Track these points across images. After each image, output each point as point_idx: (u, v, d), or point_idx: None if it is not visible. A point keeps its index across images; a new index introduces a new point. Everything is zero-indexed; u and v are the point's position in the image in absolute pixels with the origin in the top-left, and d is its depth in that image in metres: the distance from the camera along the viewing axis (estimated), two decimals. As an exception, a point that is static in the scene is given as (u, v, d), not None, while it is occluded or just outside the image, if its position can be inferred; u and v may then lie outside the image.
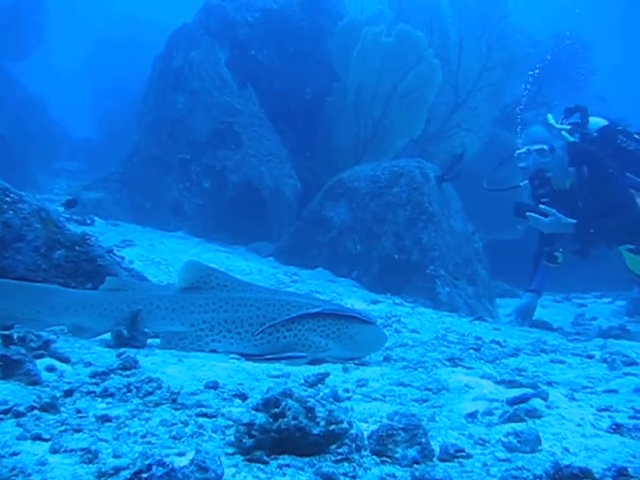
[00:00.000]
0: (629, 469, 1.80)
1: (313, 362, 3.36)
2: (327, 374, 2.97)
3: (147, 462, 1.49)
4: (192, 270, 3.60)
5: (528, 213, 5.90)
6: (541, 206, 5.86)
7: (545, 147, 5.92)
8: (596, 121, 6.19)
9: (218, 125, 9.67)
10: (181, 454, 1.86)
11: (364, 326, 3.55)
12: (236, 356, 3.31)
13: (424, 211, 7.37)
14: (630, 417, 2.70)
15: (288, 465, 1.87)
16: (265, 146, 9.75)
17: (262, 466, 1.86)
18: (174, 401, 2.37)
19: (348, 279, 7.31)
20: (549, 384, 3.28)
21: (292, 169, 9.98)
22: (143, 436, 2.00)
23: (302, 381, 2.88)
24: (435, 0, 10.99)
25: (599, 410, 2.77)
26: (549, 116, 6.21)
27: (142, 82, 11.49)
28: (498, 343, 4.48)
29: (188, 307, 3.44)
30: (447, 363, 3.61)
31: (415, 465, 1.98)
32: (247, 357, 3.32)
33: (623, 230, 5.84)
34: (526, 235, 10.78)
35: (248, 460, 1.89)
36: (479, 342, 4.45)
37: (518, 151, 6.10)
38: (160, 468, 1.46)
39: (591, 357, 4.18)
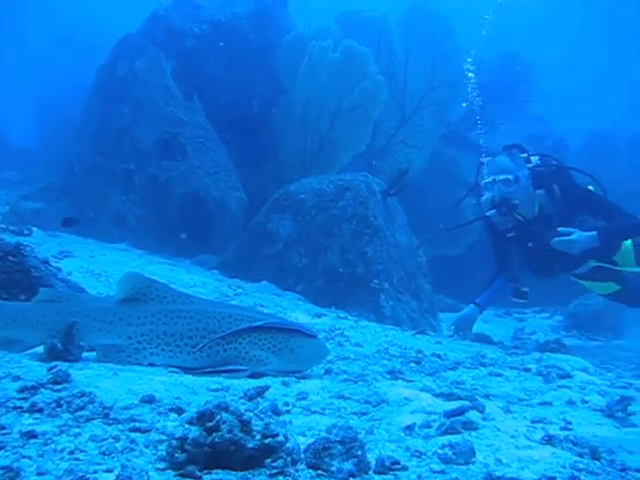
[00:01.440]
0: (558, 479, 1.83)
1: (254, 375, 3.32)
2: (267, 387, 2.94)
3: (68, 479, 1.43)
4: (131, 281, 3.51)
5: (555, 239, 5.91)
6: (561, 228, 5.93)
7: (510, 177, 6.07)
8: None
9: (163, 136, 9.56)
10: (109, 470, 1.80)
11: (306, 339, 3.53)
12: (175, 369, 3.24)
13: (369, 225, 7.43)
14: (562, 428, 2.77)
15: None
16: (211, 158, 9.69)
17: (194, 481, 1.82)
18: (106, 416, 2.29)
19: (293, 292, 7.28)
20: (486, 397, 3.34)
21: (238, 181, 9.94)
22: (71, 452, 1.93)
23: (241, 394, 2.84)
24: (382, 18, 11.21)
25: (533, 422, 2.83)
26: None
27: (83, 90, 11.25)
28: (439, 356, 4.53)
29: (126, 319, 3.35)
30: (388, 376, 3.63)
31: (351, 478, 1.97)
32: (186, 370, 3.26)
33: (627, 229, 6.02)
34: (469, 251, 11.03)
35: (180, 475, 1.84)
36: (420, 355, 4.49)
37: (484, 180, 6.24)
38: (82, 485, 1.40)
39: (528, 370, 4.28)
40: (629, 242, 6.27)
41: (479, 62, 10.41)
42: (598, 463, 2.31)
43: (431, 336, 5.94)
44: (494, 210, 6.26)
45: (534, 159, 6.42)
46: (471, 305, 6.80)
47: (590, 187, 6.36)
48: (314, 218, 7.63)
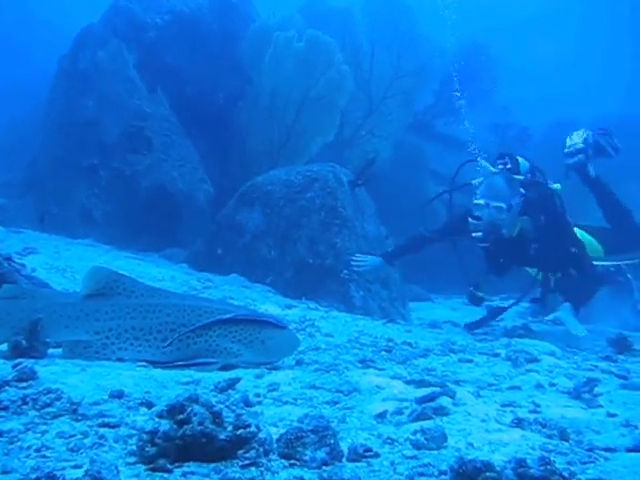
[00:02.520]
0: (528, 460, 1.86)
1: (225, 368, 3.30)
2: (238, 379, 2.92)
3: (35, 476, 1.39)
4: (97, 276, 3.45)
5: (567, 326, 5.81)
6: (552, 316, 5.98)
7: (504, 206, 5.86)
8: (522, 162, 6.24)
9: (128, 129, 9.42)
10: (78, 467, 1.76)
11: (276, 331, 3.51)
12: (144, 364, 3.20)
13: (338, 215, 7.43)
14: (530, 411, 2.81)
15: (193, 472, 1.82)
16: (177, 151, 9.59)
17: (165, 475, 1.79)
18: (74, 412, 2.25)
19: (263, 285, 7.25)
20: (457, 382, 3.36)
21: (205, 174, 9.85)
22: (37, 450, 1.89)
23: (212, 387, 2.82)
24: (346, 8, 11.20)
25: (502, 406, 2.87)
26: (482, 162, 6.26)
27: (47, 77, 10.97)
28: (409, 344, 4.55)
29: (93, 314, 3.30)
30: (359, 365, 3.63)
31: (324, 466, 1.97)
32: (156, 365, 3.22)
33: (591, 291, 6.08)
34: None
35: (151, 469, 1.81)
36: (391, 344, 4.50)
37: (476, 200, 6.00)
38: (49, 482, 1.37)
39: (497, 355, 4.33)
40: (597, 244, 6.39)
41: (444, 51, 10.48)
42: (567, 444, 2.36)
43: (401, 325, 5.98)
44: (480, 233, 6.07)
45: (524, 164, 6.19)
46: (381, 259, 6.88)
47: (558, 185, 6.33)
48: (282, 210, 7.61)
